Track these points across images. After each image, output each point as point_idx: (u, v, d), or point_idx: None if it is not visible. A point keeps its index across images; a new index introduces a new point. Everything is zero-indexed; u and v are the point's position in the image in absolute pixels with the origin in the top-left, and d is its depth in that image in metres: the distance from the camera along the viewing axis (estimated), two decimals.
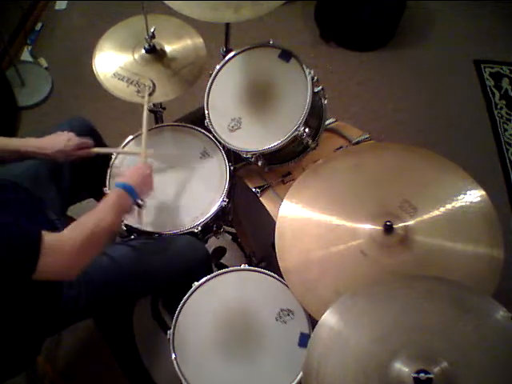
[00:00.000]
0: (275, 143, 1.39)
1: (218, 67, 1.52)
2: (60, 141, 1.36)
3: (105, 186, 1.48)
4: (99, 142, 1.62)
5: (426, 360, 0.89)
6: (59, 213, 1.41)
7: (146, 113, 1.51)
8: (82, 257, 1.09)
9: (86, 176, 1.53)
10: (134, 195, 1.24)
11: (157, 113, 1.75)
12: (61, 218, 1.38)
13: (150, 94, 1.54)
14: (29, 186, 1.34)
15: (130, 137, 1.58)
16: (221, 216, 1.56)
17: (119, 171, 1.52)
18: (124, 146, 1.57)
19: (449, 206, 1.18)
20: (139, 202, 1.28)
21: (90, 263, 1.11)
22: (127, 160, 1.55)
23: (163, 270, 1.38)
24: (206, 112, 1.49)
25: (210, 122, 1.49)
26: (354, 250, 1.16)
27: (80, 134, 1.45)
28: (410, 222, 1.16)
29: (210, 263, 1.51)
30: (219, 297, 1.29)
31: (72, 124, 1.50)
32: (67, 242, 1.06)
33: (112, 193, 1.24)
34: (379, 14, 2.62)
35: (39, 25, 2.74)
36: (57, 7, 2.84)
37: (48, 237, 1.02)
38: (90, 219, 1.13)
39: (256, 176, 1.55)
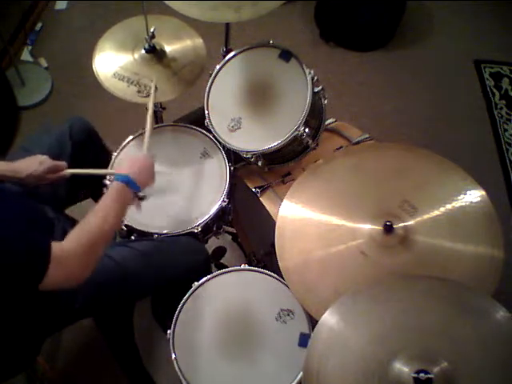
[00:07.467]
0: (275, 143, 1.39)
1: (218, 67, 1.52)
2: (32, 163, 1.30)
3: (104, 186, 1.46)
4: (98, 143, 1.62)
5: (425, 360, 0.89)
6: (57, 211, 1.40)
7: (151, 110, 1.45)
8: (87, 265, 1.06)
9: (83, 175, 1.53)
10: (134, 187, 1.19)
11: (157, 113, 1.75)
12: (59, 216, 1.38)
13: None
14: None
15: (130, 137, 1.58)
16: (221, 216, 1.56)
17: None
18: (124, 147, 1.57)
19: (449, 206, 1.18)
20: (140, 194, 1.24)
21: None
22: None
23: (163, 271, 1.38)
24: (206, 112, 1.49)
25: (210, 122, 1.49)
26: (354, 250, 1.16)
27: (78, 135, 1.48)
28: (410, 222, 1.16)
29: (209, 263, 1.51)
30: (219, 297, 1.29)
31: (71, 125, 1.50)
32: (72, 253, 1.02)
33: (111, 189, 1.17)
34: (379, 14, 2.62)
35: (39, 25, 2.74)
36: (57, 7, 2.84)
37: (53, 248, 0.99)
38: (92, 223, 1.08)
39: (256, 176, 1.55)
